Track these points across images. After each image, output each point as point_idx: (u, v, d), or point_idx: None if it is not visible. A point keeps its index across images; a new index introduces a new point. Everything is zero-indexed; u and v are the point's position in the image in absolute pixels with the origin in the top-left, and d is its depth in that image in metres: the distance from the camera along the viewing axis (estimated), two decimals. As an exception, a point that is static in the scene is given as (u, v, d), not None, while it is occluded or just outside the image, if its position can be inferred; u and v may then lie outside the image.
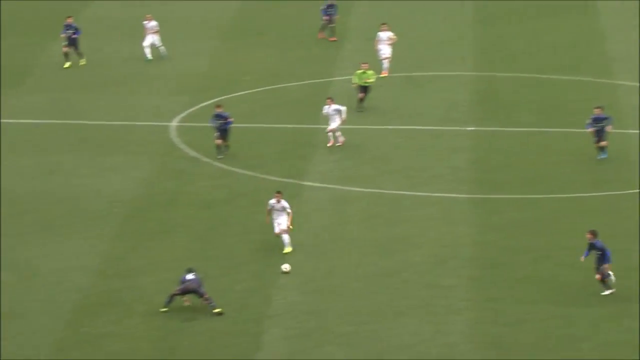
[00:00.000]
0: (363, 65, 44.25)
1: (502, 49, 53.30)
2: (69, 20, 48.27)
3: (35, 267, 31.03)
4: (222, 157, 39.29)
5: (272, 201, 31.86)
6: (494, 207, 35.43)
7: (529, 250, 31.57)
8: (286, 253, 30.96)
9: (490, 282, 29.84)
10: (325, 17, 50.79)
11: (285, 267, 29.65)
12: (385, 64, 46.22)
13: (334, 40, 50.39)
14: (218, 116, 39.55)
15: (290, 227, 31.36)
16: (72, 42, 47.44)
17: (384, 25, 46.91)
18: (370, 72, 42.94)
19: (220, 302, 27.92)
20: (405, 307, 28.74)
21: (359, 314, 28.13)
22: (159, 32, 49.28)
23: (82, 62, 48.53)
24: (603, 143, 37.14)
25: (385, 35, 46.25)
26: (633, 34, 51.94)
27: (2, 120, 42.60)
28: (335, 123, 41.11)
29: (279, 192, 31.64)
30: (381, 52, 46.40)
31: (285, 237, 31.00)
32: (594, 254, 27.98)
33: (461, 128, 43.58)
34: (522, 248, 31.82)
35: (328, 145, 40.05)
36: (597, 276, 27.86)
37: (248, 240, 31.82)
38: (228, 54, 52.00)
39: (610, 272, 27.90)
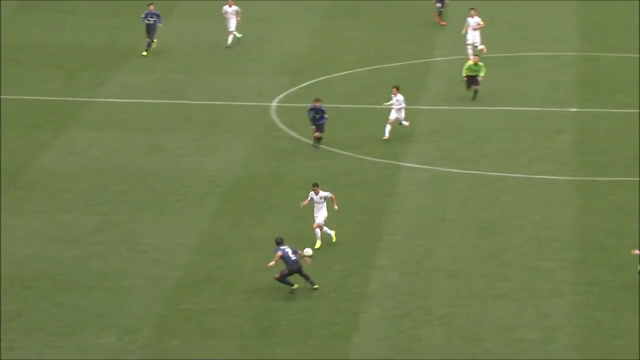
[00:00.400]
0: (473, 57, 45.04)
1: (605, 29, 52.97)
2: (151, 8, 48.57)
3: (141, 244, 31.90)
4: (317, 148, 39.69)
5: (312, 194, 33.31)
6: (597, 189, 35.16)
7: (633, 233, 31.10)
8: (317, 248, 30.82)
9: (593, 265, 29.58)
10: (438, 4, 51.17)
11: (307, 251, 30.35)
12: (469, 49, 46.61)
13: (444, 25, 50.58)
14: (315, 109, 39.78)
15: (335, 207, 31.52)
16: (150, 29, 47.51)
17: (472, 10, 47.46)
18: (480, 64, 44.00)
19: (319, 282, 28.29)
20: (506, 290, 28.68)
21: (458, 296, 28.11)
22: (238, 17, 49.20)
23: (153, 45, 48.07)
24: None
25: (474, 21, 46.89)
26: None
27: (111, 100, 44.34)
28: (401, 113, 40.95)
29: (316, 185, 31.74)
30: (469, 38, 47.17)
31: (317, 232, 31.19)
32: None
33: (563, 109, 43.25)
34: (625, 231, 31.44)
35: (384, 138, 39.41)
36: None
37: (347, 220, 32.07)
38: (328, 35, 52.44)
39: None
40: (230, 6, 49.89)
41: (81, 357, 26.15)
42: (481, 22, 47.13)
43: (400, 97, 41.40)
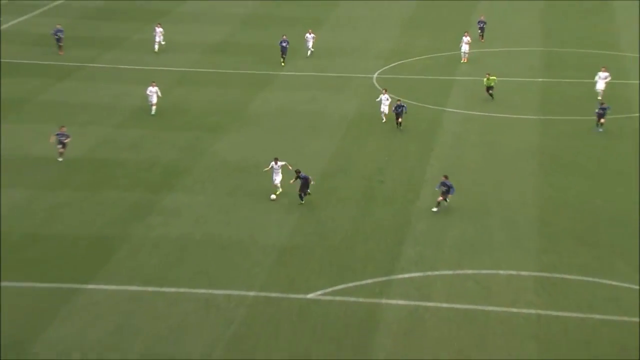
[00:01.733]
0: (488, 74, 58.33)
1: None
2: (284, 37, 67.19)
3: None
4: (400, 129, 53.33)
5: (272, 163, 44.61)
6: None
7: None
8: (272, 199, 44.37)
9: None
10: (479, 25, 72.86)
11: (273, 196, 43.62)
12: (600, 93, 57.16)
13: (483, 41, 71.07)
14: (389, 99, 54.17)
15: (290, 167, 44.74)
16: (283, 50, 66.08)
17: (604, 67, 57.94)
18: (492, 77, 57.68)
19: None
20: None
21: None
22: (314, 39, 68.60)
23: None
24: None
25: (604, 74, 56.76)
26: None
27: (282, 73, 65.85)
28: (385, 107, 54.10)
29: (276, 158, 44.83)
30: (598, 87, 57.26)
31: (273, 196, 44.51)
32: None
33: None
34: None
35: (383, 121, 54.64)
36: None
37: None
38: (404, 38, 76.97)
39: None
40: (310, 33, 68.61)
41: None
42: (609, 77, 57.08)
43: (387, 95, 54.29)
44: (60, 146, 49.78)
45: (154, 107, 56.65)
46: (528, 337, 33.24)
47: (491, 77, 57.17)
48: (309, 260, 39.58)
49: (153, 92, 56.42)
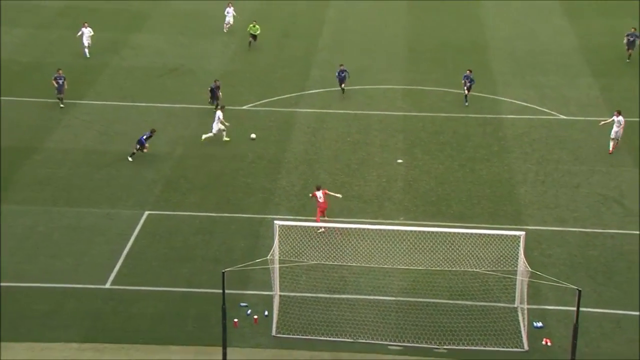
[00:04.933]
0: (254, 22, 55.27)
1: None
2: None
3: None
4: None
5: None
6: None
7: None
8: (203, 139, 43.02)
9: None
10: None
11: (252, 136, 42.73)
12: (612, 143, 42.45)
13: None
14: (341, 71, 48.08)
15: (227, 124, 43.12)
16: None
17: (617, 112, 42.64)
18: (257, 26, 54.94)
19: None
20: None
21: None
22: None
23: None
24: None
25: (618, 119, 42.43)
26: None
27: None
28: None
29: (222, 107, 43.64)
30: (613, 131, 42.60)
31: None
32: None
33: None
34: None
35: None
36: None
37: None
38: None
39: None
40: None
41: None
42: (624, 123, 42.49)
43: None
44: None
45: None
46: (398, 130, 44.33)
47: (256, 26, 55.55)
48: (242, 81, 50.27)
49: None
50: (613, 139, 42.32)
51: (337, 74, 47.88)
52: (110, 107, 47.06)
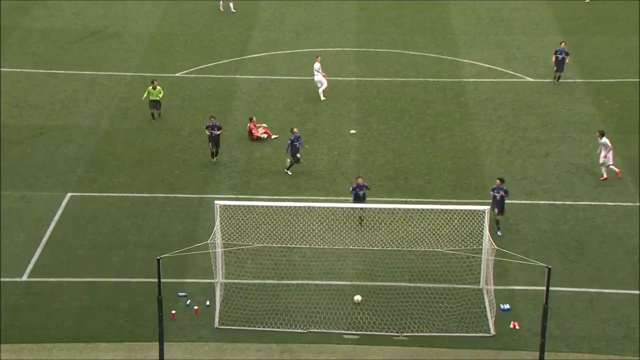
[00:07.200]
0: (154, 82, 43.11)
1: None
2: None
3: None
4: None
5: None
6: None
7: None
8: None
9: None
10: None
11: (357, 298, 30.97)
12: (603, 169, 38.47)
13: None
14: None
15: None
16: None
17: (599, 132, 37.89)
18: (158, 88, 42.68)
19: None
20: None
21: None
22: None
23: None
24: None
25: (602, 141, 37.18)
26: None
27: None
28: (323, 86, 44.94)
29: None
30: (601, 156, 38.04)
31: None
32: None
33: None
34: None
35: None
36: None
37: None
38: None
39: None
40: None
41: None
42: (609, 144, 38.42)
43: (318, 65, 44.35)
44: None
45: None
46: (351, 98, 44.59)
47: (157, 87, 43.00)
48: (175, 45, 50.08)
49: None
50: (602, 164, 38.31)
51: (289, 141, 38.80)
52: (23, 74, 46.75)
